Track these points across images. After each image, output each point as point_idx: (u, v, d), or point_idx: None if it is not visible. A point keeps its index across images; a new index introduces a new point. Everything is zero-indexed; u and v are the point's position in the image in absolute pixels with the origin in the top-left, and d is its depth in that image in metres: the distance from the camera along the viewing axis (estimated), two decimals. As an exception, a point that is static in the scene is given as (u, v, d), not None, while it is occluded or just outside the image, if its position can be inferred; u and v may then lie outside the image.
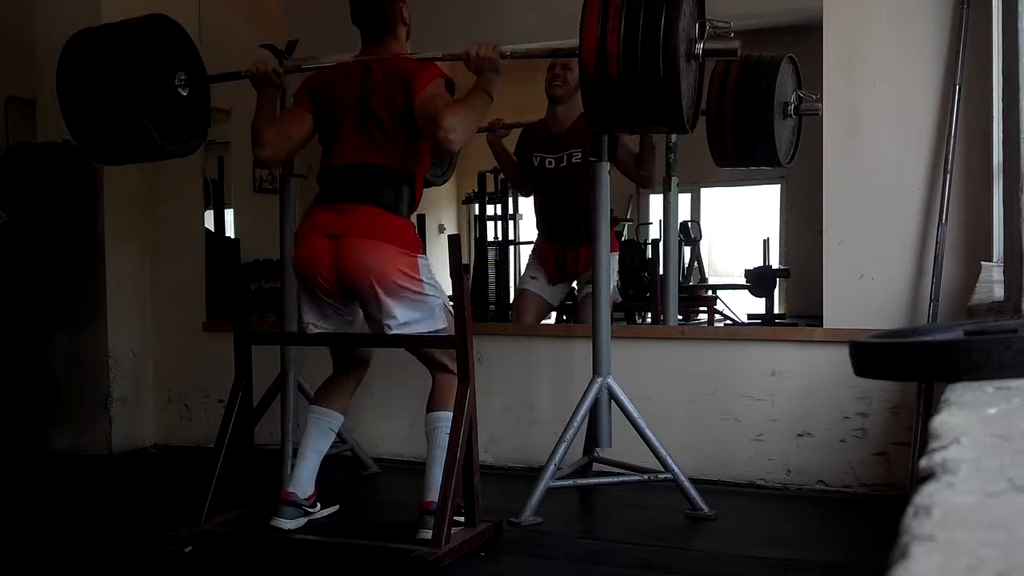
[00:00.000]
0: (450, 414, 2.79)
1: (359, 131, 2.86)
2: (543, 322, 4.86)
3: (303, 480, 2.99)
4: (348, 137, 2.87)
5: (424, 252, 2.90)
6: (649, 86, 2.58)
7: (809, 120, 3.66)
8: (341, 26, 3.17)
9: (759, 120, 3.45)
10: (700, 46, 2.74)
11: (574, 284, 4.40)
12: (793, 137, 3.74)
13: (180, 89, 3.01)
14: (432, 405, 2.93)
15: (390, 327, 2.82)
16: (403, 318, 2.80)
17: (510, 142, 4.30)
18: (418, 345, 2.94)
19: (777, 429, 3.48)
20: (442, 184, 4.75)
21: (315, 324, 2.94)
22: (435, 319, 2.86)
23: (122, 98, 2.87)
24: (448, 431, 2.77)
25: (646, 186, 4.16)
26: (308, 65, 3.06)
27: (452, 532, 2.63)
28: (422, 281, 2.82)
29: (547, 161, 4.14)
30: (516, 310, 4.41)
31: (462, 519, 2.78)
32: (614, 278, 4.01)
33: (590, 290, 4.02)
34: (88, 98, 2.93)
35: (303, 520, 2.98)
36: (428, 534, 2.69)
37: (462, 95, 2.84)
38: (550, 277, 4.20)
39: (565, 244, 4.13)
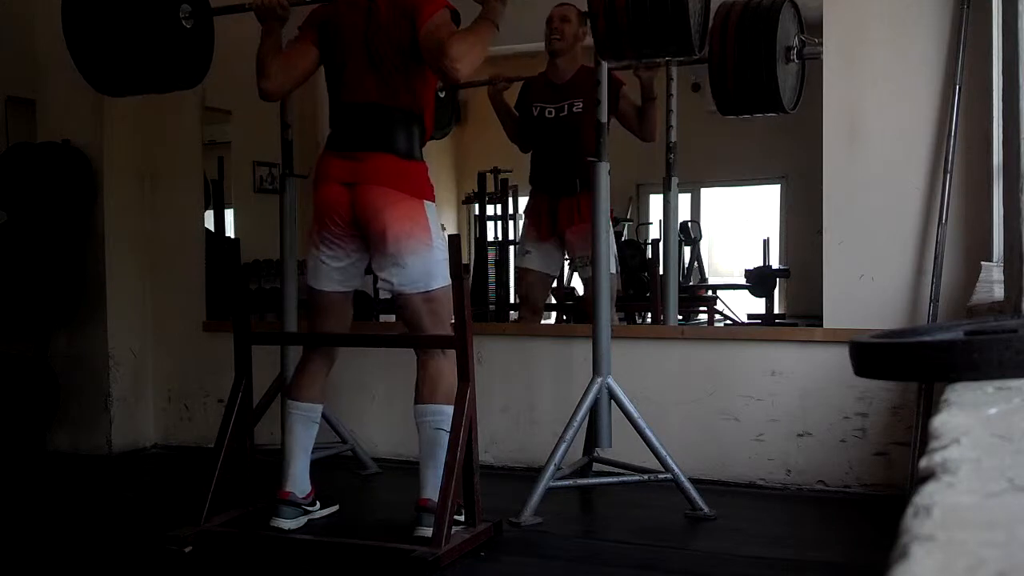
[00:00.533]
0: (440, 407, 2.78)
1: (366, 65, 2.84)
2: (543, 322, 4.85)
3: (298, 478, 2.96)
4: (356, 72, 2.86)
5: (434, 199, 2.91)
6: (656, 6, 2.64)
7: (810, 121, 3.64)
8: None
9: (761, 64, 3.38)
10: None
11: (575, 276, 4.35)
12: (796, 82, 3.67)
13: (184, 22, 3.03)
14: (421, 396, 2.85)
15: (391, 283, 2.83)
16: (408, 265, 2.79)
17: (511, 96, 4.28)
18: (418, 346, 2.93)
19: (777, 429, 3.48)
20: (442, 138, 4.73)
21: (325, 261, 2.90)
22: (439, 271, 2.82)
23: (127, 28, 2.93)
24: (440, 426, 2.77)
25: (648, 139, 4.07)
26: None
27: (452, 532, 2.63)
28: (431, 231, 2.83)
29: (547, 111, 4.10)
30: (521, 292, 4.34)
31: (462, 518, 2.78)
32: (612, 247, 3.98)
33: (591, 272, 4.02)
34: (93, 27, 2.98)
35: (303, 519, 2.97)
36: (426, 531, 2.68)
37: (467, 26, 2.81)
38: (542, 233, 4.14)
39: (558, 196, 4.08)
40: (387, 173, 2.81)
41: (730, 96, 3.50)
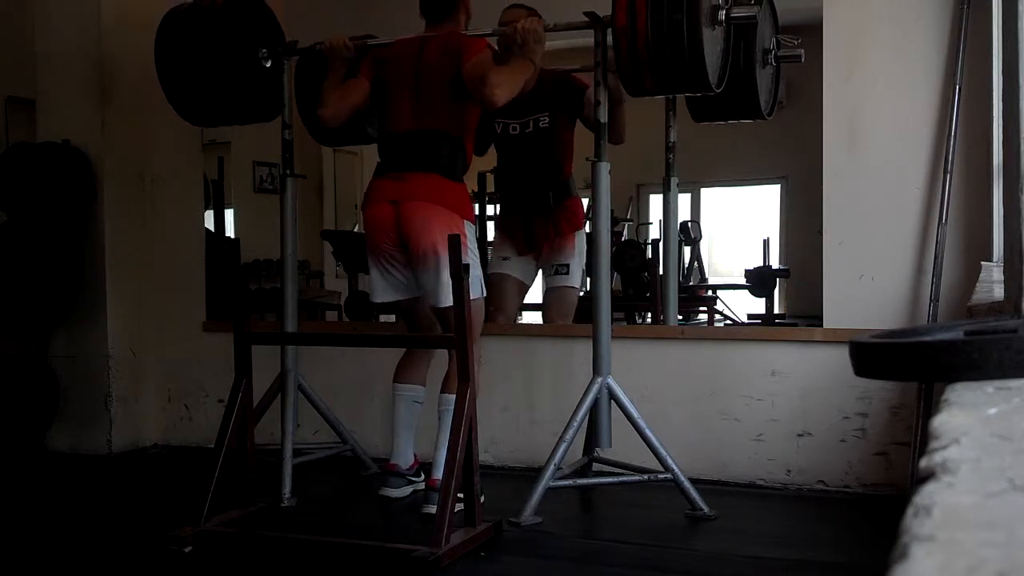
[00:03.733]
0: None
1: (413, 98, 3.13)
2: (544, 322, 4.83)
3: (402, 452, 3.27)
4: (403, 104, 3.14)
5: (474, 220, 3.18)
6: (675, 52, 2.80)
7: (809, 121, 3.64)
8: (341, 28, 3.33)
9: (739, 70, 3.33)
10: (723, 13, 2.94)
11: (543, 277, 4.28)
12: (772, 86, 3.61)
13: (263, 61, 3.37)
14: (448, 387, 3.09)
15: (431, 296, 3.06)
16: (444, 277, 2.96)
17: None
18: (416, 346, 2.97)
19: (777, 429, 3.47)
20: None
21: (393, 273, 3.14)
22: (471, 286, 2.94)
23: (213, 70, 3.31)
24: None
25: (617, 142, 3.82)
26: (374, 41, 3.34)
27: (452, 533, 2.63)
28: (468, 247, 3.00)
29: (511, 127, 3.93)
30: (494, 297, 4.07)
31: (461, 495, 2.80)
32: (583, 259, 3.96)
33: (559, 282, 4.00)
34: (183, 68, 3.37)
35: (408, 489, 3.27)
36: (432, 509, 2.82)
37: (506, 62, 3.11)
38: (519, 248, 4.04)
39: (532, 214, 3.97)
40: (430, 189, 3.06)
41: (706, 101, 3.47)
